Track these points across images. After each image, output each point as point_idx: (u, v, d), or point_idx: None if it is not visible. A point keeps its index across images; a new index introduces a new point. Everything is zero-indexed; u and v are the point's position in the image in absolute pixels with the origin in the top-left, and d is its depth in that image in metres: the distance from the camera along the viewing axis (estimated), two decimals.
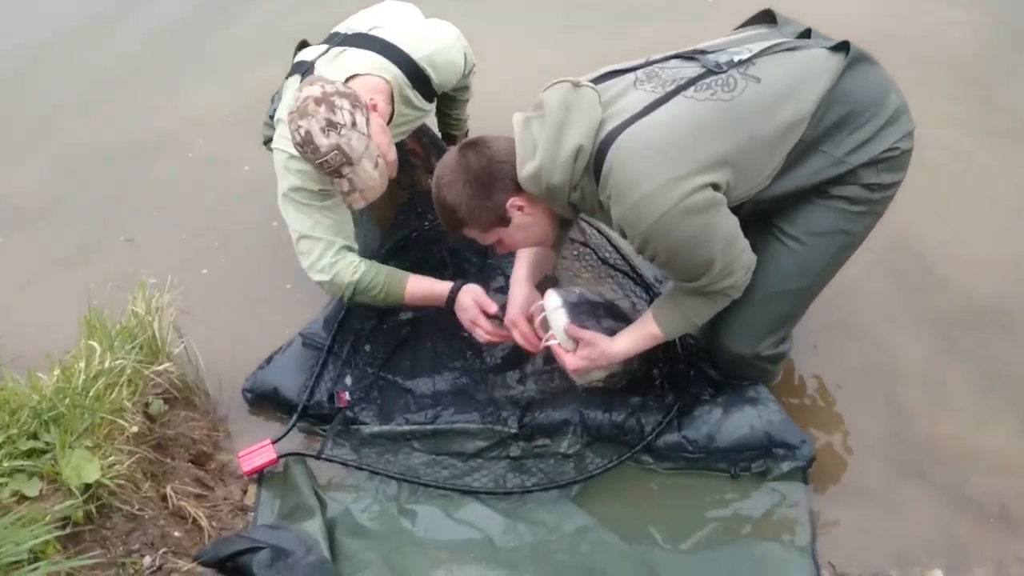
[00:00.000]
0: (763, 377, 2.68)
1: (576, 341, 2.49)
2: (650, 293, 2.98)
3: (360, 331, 2.97)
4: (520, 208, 2.27)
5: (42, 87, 4.48)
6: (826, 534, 2.46)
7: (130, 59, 4.62)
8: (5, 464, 2.12)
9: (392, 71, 2.75)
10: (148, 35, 4.78)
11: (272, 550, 2.31)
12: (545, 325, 2.59)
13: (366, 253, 2.90)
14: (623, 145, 2.12)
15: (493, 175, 2.23)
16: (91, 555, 2.07)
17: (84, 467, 2.17)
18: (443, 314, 2.90)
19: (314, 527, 2.43)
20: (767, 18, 2.50)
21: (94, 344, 2.50)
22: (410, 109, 2.88)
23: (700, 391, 2.72)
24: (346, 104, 2.48)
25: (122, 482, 2.27)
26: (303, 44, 2.92)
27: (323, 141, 2.45)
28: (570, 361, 2.51)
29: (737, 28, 2.54)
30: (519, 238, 2.37)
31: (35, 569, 1.91)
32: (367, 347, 2.95)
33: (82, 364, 2.43)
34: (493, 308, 2.76)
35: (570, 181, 2.18)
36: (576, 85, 2.19)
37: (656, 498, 2.60)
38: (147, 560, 2.22)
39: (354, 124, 2.48)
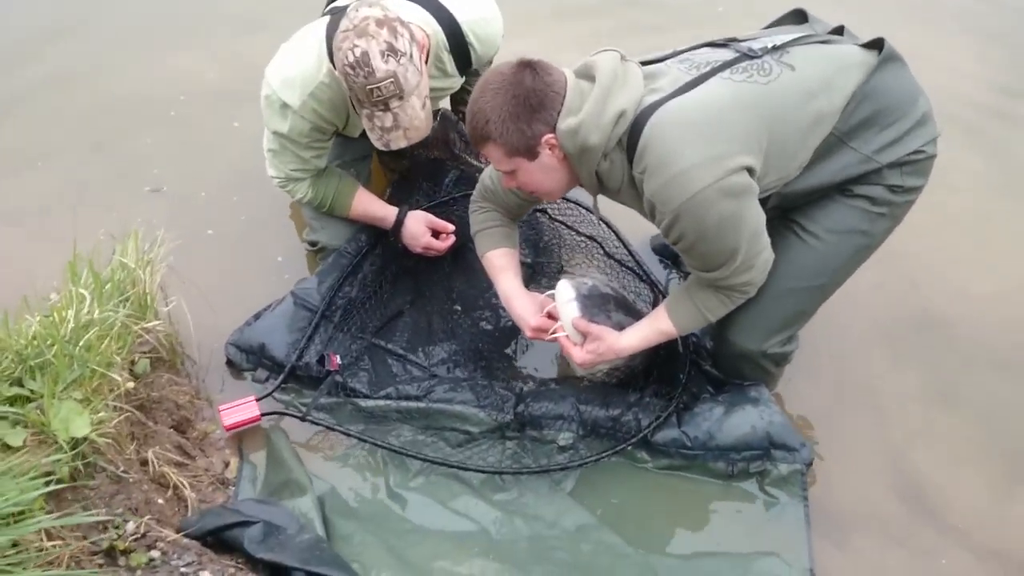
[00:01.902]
0: (765, 378, 2.64)
1: (584, 335, 2.43)
2: (655, 292, 2.90)
3: (355, 299, 2.88)
4: (552, 148, 2.13)
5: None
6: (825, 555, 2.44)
7: None
8: None
9: (433, 26, 2.62)
10: None
11: (264, 525, 2.20)
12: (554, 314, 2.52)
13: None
14: (662, 120, 2.06)
15: (544, 102, 2.07)
16: (84, 514, 1.90)
17: (73, 420, 2.02)
18: (441, 290, 2.95)
19: (307, 505, 2.34)
20: (797, 18, 2.47)
21: (84, 292, 2.34)
22: (439, 74, 2.77)
23: (700, 390, 2.68)
24: (407, 33, 2.37)
25: (109, 440, 2.12)
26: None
27: (380, 65, 2.31)
28: (577, 355, 2.44)
29: (767, 27, 2.50)
30: (535, 179, 2.21)
31: (22, 525, 1.75)
32: (361, 314, 2.87)
33: (70, 312, 2.27)
34: (450, 227, 2.84)
35: (605, 145, 2.11)
36: (623, 58, 2.16)
37: (654, 499, 2.54)
38: (130, 526, 2.07)
39: (412, 56, 2.37)
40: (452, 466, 2.53)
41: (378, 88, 2.34)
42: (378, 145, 2.50)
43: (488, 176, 2.59)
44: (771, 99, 2.13)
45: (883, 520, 2.54)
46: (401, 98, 2.38)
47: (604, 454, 2.53)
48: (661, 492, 2.54)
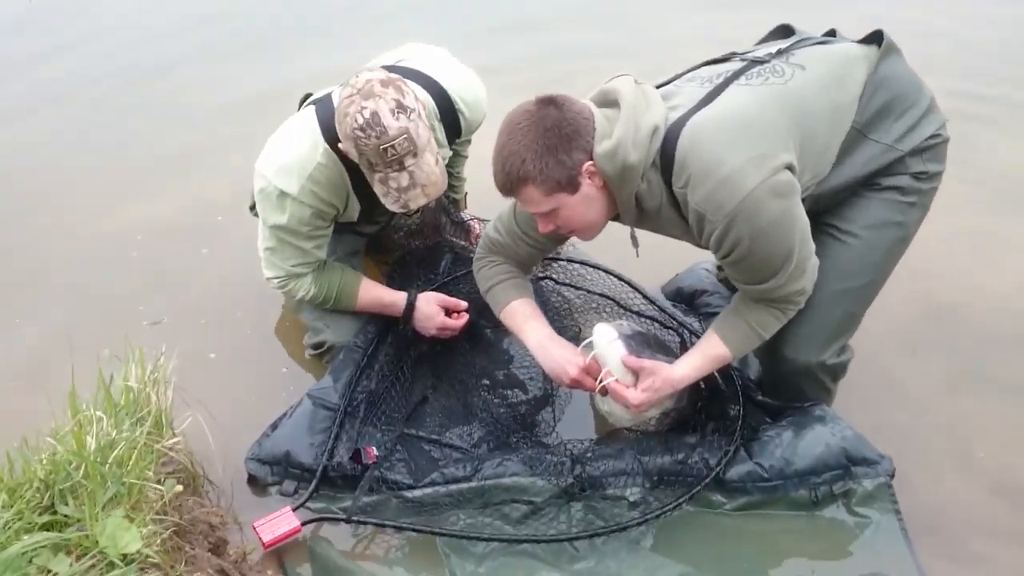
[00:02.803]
0: (824, 396, 2.53)
1: (636, 374, 2.31)
2: (681, 336, 2.80)
3: (375, 391, 2.70)
4: (592, 176, 2.07)
5: None
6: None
7: None
8: (25, 538, 1.72)
9: (423, 96, 2.56)
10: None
11: None
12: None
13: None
14: (696, 130, 2.03)
15: (578, 130, 2.02)
16: None
17: (121, 536, 1.80)
18: (463, 370, 2.81)
19: None
20: (784, 33, 2.49)
21: (100, 414, 2.13)
22: None
23: (758, 421, 2.55)
24: (411, 92, 2.31)
25: (163, 553, 1.89)
26: (307, 96, 2.73)
27: (392, 123, 2.24)
28: (632, 396, 2.31)
29: (758, 44, 2.52)
30: (578, 214, 2.13)
31: None
32: (386, 405, 2.69)
33: (90, 435, 2.06)
34: (463, 304, 2.74)
35: (645, 162, 2.05)
36: (637, 81, 2.15)
37: (741, 544, 2.37)
38: None
39: (420, 113, 2.30)
40: (519, 540, 2.33)
41: (392, 147, 2.26)
42: (395, 208, 2.40)
43: (494, 229, 2.51)
44: (793, 97, 2.13)
45: (981, 518, 2.43)
46: (415, 155, 2.30)
47: (679, 501, 2.37)
48: (747, 535, 2.37)
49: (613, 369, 2.35)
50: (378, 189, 2.39)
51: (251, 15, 5.42)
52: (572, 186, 2.07)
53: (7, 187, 3.93)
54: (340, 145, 2.40)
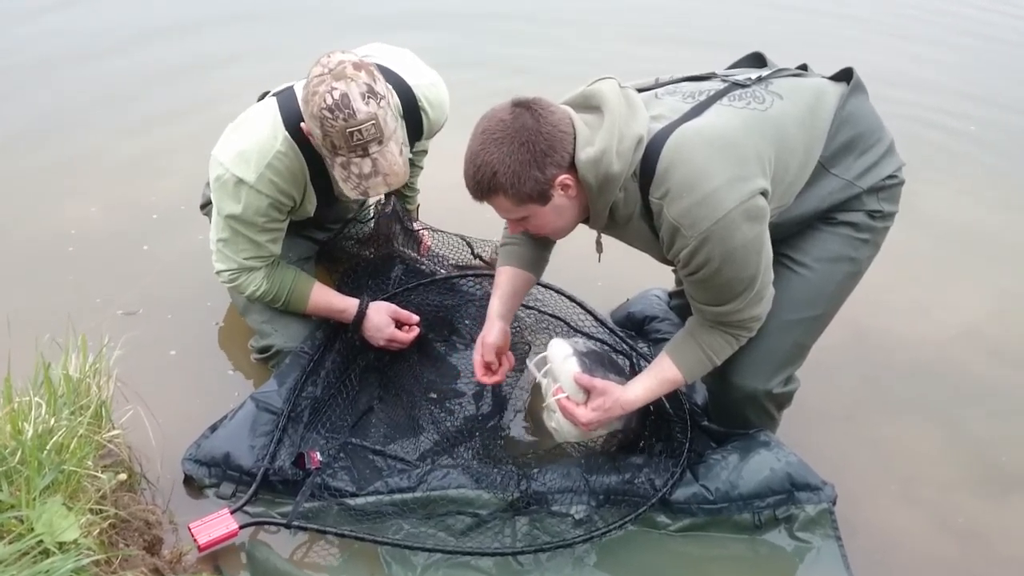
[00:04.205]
0: (769, 424, 2.56)
1: (587, 393, 2.31)
2: (630, 360, 2.81)
3: (320, 398, 2.66)
4: (566, 188, 2.05)
5: None
6: None
7: None
8: None
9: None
10: None
11: None
12: (540, 383, 2.45)
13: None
14: (682, 143, 2.04)
15: (553, 144, 2.00)
16: None
17: (58, 523, 1.73)
18: (410, 382, 2.79)
19: None
20: (756, 61, 2.52)
21: (39, 400, 2.06)
22: None
23: (703, 446, 2.57)
24: (382, 78, 2.29)
25: (99, 546, 1.82)
26: (265, 94, 2.69)
27: (362, 107, 2.21)
28: (582, 415, 2.31)
29: (728, 68, 2.55)
30: (547, 221, 2.13)
31: None
32: (330, 412, 2.65)
33: (28, 422, 1.99)
34: (415, 318, 2.74)
35: (627, 172, 2.05)
36: (621, 86, 2.14)
37: (683, 564, 2.38)
38: None
39: (389, 102, 2.29)
40: (464, 552, 2.30)
41: (359, 131, 2.23)
42: (353, 194, 2.37)
43: None
44: (771, 126, 2.15)
45: (923, 547, 2.50)
46: (381, 142, 2.28)
47: (624, 520, 2.36)
48: (689, 557, 2.38)
49: (565, 386, 2.35)
50: (338, 174, 2.35)
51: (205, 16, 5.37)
52: (543, 198, 2.06)
53: None
54: (303, 125, 2.35)
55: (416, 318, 2.78)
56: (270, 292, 2.67)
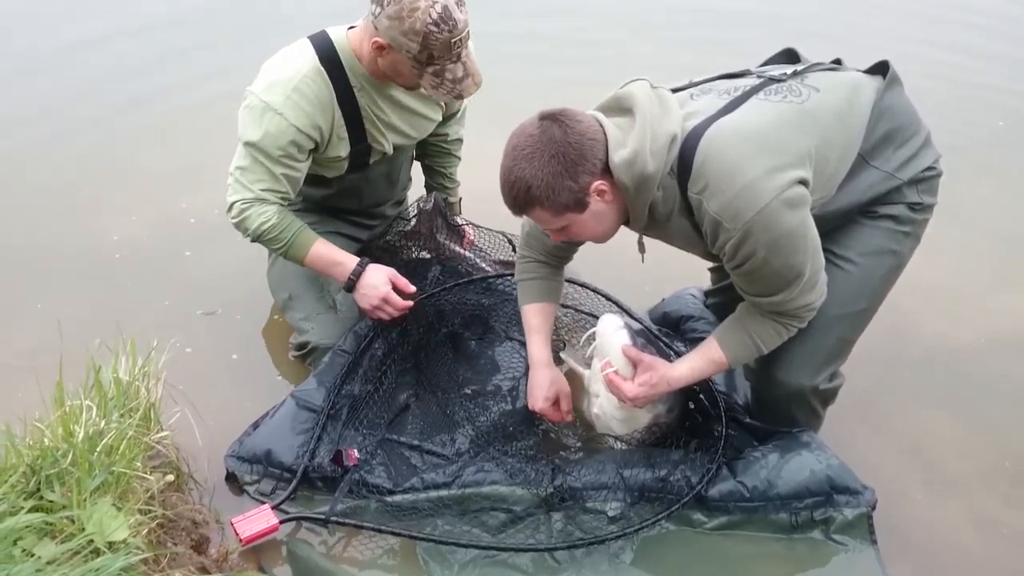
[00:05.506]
0: (813, 422, 2.56)
1: (634, 367, 2.36)
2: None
3: (358, 396, 2.71)
4: (602, 194, 2.09)
5: None
6: None
7: None
8: (8, 521, 1.72)
9: None
10: None
11: None
12: (582, 374, 2.50)
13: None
14: (717, 137, 2.06)
15: (583, 153, 2.02)
16: None
17: (108, 523, 1.80)
18: (446, 379, 2.82)
19: None
20: (789, 57, 2.51)
21: (90, 403, 2.14)
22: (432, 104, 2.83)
23: (744, 443, 2.58)
24: None
25: (148, 545, 1.89)
26: None
27: (460, 16, 2.37)
28: (629, 389, 2.35)
29: (762, 66, 2.54)
30: (588, 228, 2.17)
31: None
32: (368, 409, 2.70)
33: (79, 425, 2.07)
34: (412, 288, 2.70)
35: (663, 170, 2.07)
36: (653, 86, 2.16)
37: (718, 562, 2.39)
38: None
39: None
40: (500, 548, 2.35)
41: (460, 39, 2.38)
42: (447, 98, 2.58)
43: (528, 221, 2.48)
44: (809, 118, 2.16)
45: (961, 552, 2.48)
46: (467, 45, 2.44)
47: (659, 516, 2.38)
48: (724, 554, 2.39)
49: (614, 359, 2.38)
50: (429, 82, 2.46)
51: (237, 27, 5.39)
52: (580, 206, 2.09)
53: None
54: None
55: (413, 288, 2.74)
56: (277, 227, 2.61)
